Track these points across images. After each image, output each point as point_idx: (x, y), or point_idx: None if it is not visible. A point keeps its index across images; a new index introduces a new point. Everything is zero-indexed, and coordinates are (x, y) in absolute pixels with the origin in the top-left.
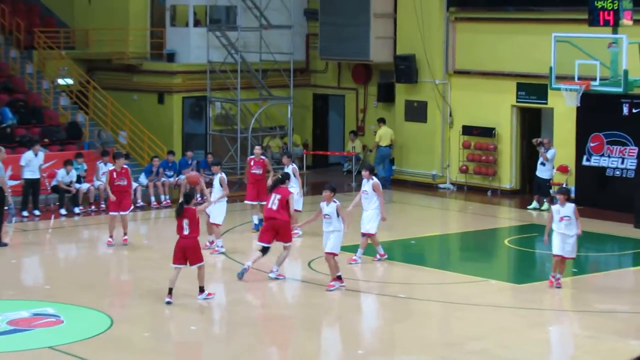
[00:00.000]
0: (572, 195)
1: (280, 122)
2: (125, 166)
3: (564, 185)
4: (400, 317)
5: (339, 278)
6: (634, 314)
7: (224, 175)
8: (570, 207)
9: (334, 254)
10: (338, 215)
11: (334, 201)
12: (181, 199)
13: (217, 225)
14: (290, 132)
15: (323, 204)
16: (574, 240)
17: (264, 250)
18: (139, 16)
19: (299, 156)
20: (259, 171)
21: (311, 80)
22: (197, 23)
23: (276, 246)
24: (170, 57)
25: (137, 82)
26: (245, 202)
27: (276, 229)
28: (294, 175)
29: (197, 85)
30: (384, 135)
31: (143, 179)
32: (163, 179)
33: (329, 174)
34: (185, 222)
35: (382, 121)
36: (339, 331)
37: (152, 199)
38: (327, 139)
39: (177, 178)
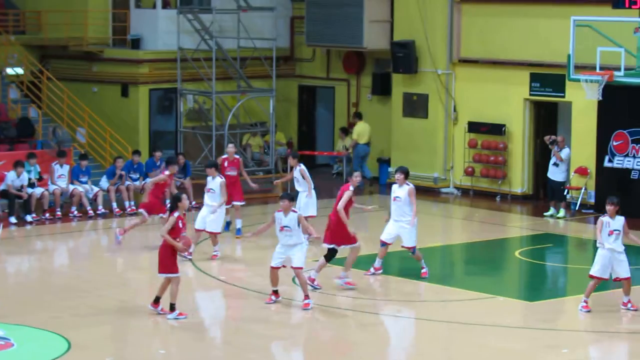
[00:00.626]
0: (592, 200)
1: (261, 117)
2: (236, 156)
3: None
4: (398, 338)
5: (276, 292)
6: None
7: (223, 179)
8: (620, 220)
9: (301, 268)
10: (299, 225)
11: (294, 211)
12: (171, 203)
13: (217, 233)
14: (272, 129)
15: (279, 215)
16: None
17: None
18: None
19: (282, 156)
20: (233, 172)
21: (296, 70)
22: (165, 4)
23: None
24: (135, 44)
25: (97, 72)
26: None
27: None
28: (302, 177)
29: (166, 75)
30: (362, 131)
31: (104, 182)
32: (127, 182)
33: (316, 176)
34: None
35: (358, 116)
36: (327, 354)
37: (114, 205)
38: (314, 137)
39: (143, 182)
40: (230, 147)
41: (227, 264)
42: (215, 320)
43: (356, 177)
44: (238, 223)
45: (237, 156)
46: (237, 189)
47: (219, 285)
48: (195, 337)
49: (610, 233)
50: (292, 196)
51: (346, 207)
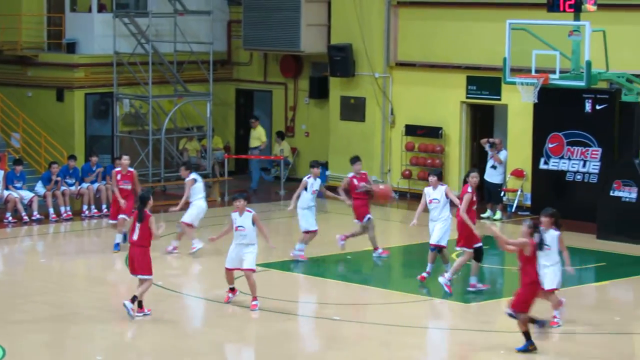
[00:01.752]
0: (528, 202)
1: (198, 121)
2: (130, 169)
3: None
4: (334, 343)
5: (232, 290)
6: (596, 334)
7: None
8: (554, 235)
9: (253, 270)
10: (254, 225)
11: (248, 210)
12: (138, 203)
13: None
14: (209, 134)
15: (235, 215)
16: (551, 271)
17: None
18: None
19: (219, 161)
20: (127, 186)
21: (233, 74)
22: (101, 8)
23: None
24: (71, 48)
25: (32, 76)
26: (110, 221)
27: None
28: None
29: (102, 79)
30: (261, 134)
31: (40, 187)
32: (63, 187)
33: (253, 181)
34: (138, 225)
35: (257, 119)
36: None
37: (51, 210)
38: None
39: (79, 187)
40: (125, 160)
41: (164, 269)
42: (154, 326)
43: (473, 177)
44: (117, 238)
45: (131, 169)
46: (129, 204)
47: (156, 290)
48: (135, 343)
49: (430, 202)
50: (246, 195)
51: (469, 208)
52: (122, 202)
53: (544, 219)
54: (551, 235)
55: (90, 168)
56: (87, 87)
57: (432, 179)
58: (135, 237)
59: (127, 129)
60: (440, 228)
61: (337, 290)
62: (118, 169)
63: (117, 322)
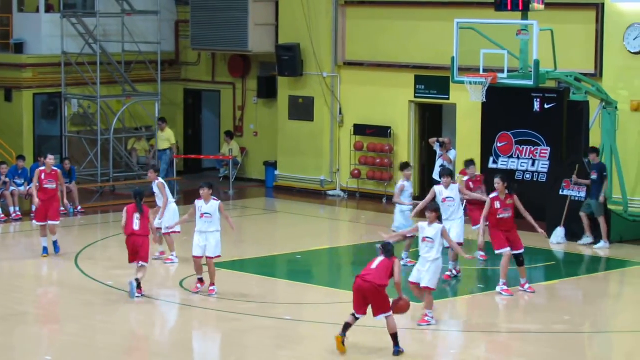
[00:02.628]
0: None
1: (147, 121)
2: (55, 168)
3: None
4: (286, 342)
5: (201, 280)
6: (546, 334)
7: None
8: (437, 228)
9: (217, 256)
10: (220, 213)
11: (214, 199)
12: (136, 197)
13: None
14: (157, 134)
15: (200, 203)
16: (434, 267)
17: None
18: None
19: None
20: (52, 186)
21: (182, 74)
22: (49, 8)
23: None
24: (19, 48)
25: None
26: (35, 223)
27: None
28: None
29: (50, 80)
30: (170, 136)
31: None
32: (12, 188)
33: (203, 180)
34: (137, 216)
35: (164, 121)
36: (217, 357)
37: (0, 211)
38: (200, 140)
39: (27, 187)
40: (50, 159)
41: (114, 269)
42: (104, 325)
43: (497, 183)
44: (44, 242)
45: (56, 168)
46: (54, 206)
47: (107, 290)
48: (84, 343)
49: (423, 240)
50: (211, 184)
51: (493, 214)
52: (36, 201)
53: (428, 214)
54: (435, 229)
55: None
56: (35, 87)
57: (446, 179)
58: (136, 227)
59: (76, 129)
60: (458, 225)
61: (286, 290)
62: (42, 167)
63: (66, 323)
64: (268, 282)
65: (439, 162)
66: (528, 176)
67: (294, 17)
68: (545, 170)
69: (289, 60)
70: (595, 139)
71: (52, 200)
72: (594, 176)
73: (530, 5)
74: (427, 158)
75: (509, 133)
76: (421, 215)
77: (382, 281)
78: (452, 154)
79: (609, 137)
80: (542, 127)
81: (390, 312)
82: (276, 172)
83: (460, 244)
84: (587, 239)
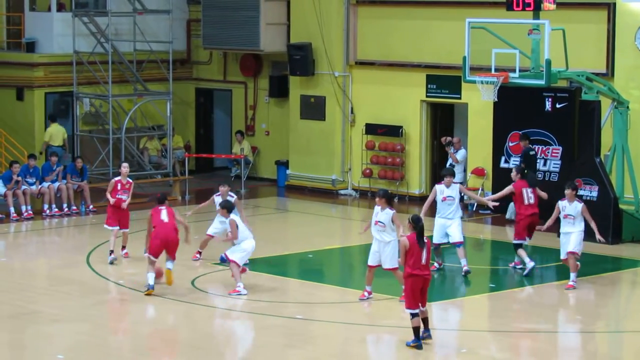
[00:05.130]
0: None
1: (159, 120)
2: (129, 179)
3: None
4: (297, 341)
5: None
6: (556, 333)
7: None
8: (389, 214)
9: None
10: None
11: (231, 195)
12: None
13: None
14: (169, 133)
15: (217, 199)
16: (390, 248)
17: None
18: None
19: (180, 160)
20: (124, 196)
21: (193, 73)
22: (60, 7)
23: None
24: (30, 47)
25: None
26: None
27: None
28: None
29: (61, 79)
30: (55, 133)
31: (1, 187)
32: (24, 187)
33: (214, 179)
34: (165, 212)
35: (52, 119)
36: (225, 356)
37: (12, 210)
38: (211, 140)
39: (39, 186)
40: (124, 167)
41: (126, 268)
42: (116, 325)
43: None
44: (112, 244)
45: (130, 179)
46: (125, 215)
47: (119, 289)
48: (96, 342)
49: (565, 217)
50: (231, 183)
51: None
52: (111, 200)
53: (377, 200)
54: (386, 214)
55: (51, 167)
56: (46, 86)
57: (449, 179)
58: (167, 219)
59: (87, 128)
60: (457, 225)
61: (298, 289)
62: (118, 178)
63: (78, 322)
64: (280, 281)
65: (449, 161)
66: (540, 176)
67: (306, 17)
68: (557, 169)
69: (301, 59)
70: (606, 138)
71: (123, 209)
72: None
73: (542, 5)
74: (438, 157)
75: (520, 132)
76: (431, 215)
77: None
78: (461, 153)
79: (621, 137)
80: (553, 126)
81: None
82: (288, 172)
83: (460, 243)
84: None
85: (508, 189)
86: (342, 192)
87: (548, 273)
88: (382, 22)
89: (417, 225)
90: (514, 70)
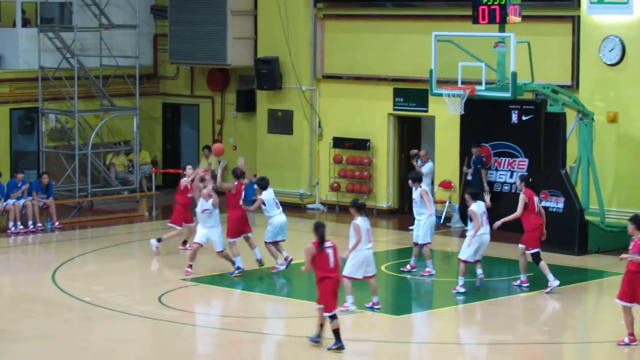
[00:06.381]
0: (456, 214)
1: (125, 136)
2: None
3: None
4: (264, 356)
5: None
6: (525, 344)
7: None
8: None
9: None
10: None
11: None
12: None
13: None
14: (136, 148)
15: (202, 200)
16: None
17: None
18: None
19: (147, 175)
20: (191, 195)
21: (160, 88)
22: (26, 22)
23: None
24: None
25: None
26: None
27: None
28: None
29: (27, 94)
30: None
31: None
32: None
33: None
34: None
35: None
36: None
37: None
38: (179, 155)
39: (4, 203)
40: (189, 169)
41: (91, 285)
42: (82, 343)
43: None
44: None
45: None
46: (189, 214)
47: (84, 307)
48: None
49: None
50: (214, 175)
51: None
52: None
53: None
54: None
55: (16, 184)
56: (11, 102)
57: (413, 183)
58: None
59: (53, 144)
60: (418, 225)
61: (264, 304)
62: (185, 179)
63: (43, 340)
64: (247, 296)
65: None
66: (507, 188)
67: (273, 31)
68: None
69: (268, 73)
70: (572, 150)
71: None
72: (479, 166)
73: (507, 18)
74: (406, 170)
75: (487, 145)
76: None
77: None
78: (428, 166)
79: (586, 148)
80: (519, 138)
81: None
82: (255, 186)
83: (427, 244)
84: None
85: (522, 199)
86: (310, 206)
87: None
88: (349, 36)
89: (317, 231)
90: (480, 83)
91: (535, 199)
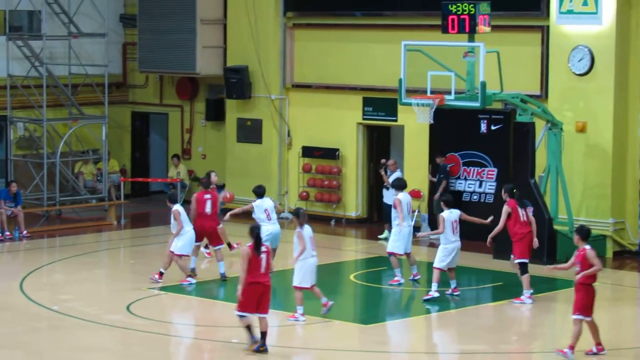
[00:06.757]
0: (425, 223)
1: (94, 144)
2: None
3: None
4: None
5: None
6: (494, 354)
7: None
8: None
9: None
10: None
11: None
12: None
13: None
14: (105, 157)
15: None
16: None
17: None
18: None
19: (115, 184)
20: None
21: (129, 97)
22: None
23: None
24: None
25: None
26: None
27: None
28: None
29: None
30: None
31: None
32: None
33: (151, 203)
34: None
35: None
36: None
37: None
38: (148, 163)
39: None
40: (214, 176)
41: (60, 294)
42: (51, 353)
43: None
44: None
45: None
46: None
47: (52, 316)
48: None
49: None
50: (184, 185)
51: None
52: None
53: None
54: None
55: None
56: None
57: (394, 190)
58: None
59: (22, 153)
60: (389, 234)
61: (233, 312)
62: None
63: (11, 350)
64: (215, 305)
65: (385, 183)
66: (475, 197)
67: (242, 40)
68: (493, 191)
69: (237, 82)
70: (541, 159)
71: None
72: (438, 177)
73: (477, 28)
74: (375, 180)
75: (456, 154)
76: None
77: None
78: (396, 175)
79: (555, 158)
80: (489, 148)
81: None
82: (226, 194)
83: (407, 255)
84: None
85: (505, 210)
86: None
87: (484, 294)
88: (319, 45)
89: (252, 234)
90: (449, 93)
91: (519, 209)
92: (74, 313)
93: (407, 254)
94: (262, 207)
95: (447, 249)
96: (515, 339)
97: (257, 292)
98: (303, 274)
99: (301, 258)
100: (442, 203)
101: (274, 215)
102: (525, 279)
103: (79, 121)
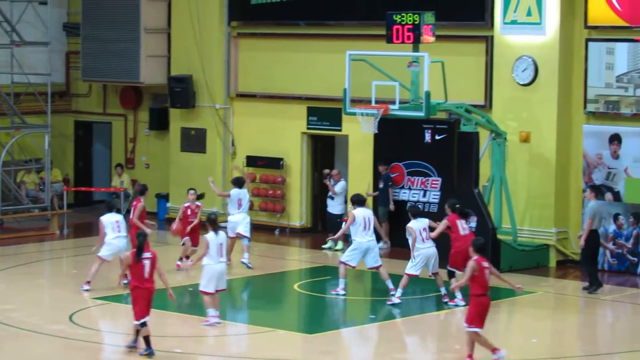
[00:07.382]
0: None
1: (37, 154)
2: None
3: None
4: None
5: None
6: None
7: None
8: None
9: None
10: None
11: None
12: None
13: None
14: (47, 166)
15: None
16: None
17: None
18: None
19: (58, 193)
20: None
21: (72, 106)
22: None
23: None
24: None
25: None
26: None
27: None
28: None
29: None
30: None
31: None
32: None
33: (94, 212)
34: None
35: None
36: None
37: None
38: (91, 173)
39: None
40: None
41: (1, 304)
42: None
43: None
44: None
45: (198, 203)
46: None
47: None
48: None
49: None
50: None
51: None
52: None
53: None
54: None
55: None
56: None
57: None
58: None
59: None
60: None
61: (177, 323)
62: (187, 204)
63: None
64: (159, 315)
65: (329, 193)
66: (419, 207)
67: (186, 49)
68: (437, 201)
69: (181, 91)
70: (485, 169)
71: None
72: (381, 185)
73: (421, 38)
74: (319, 189)
75: (400, 164)
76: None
77: None
78: (341, 185)
79: (499, 168)
80: (433, 158)
81: None
82: (168, 204)
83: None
84: (384, 244)
85: (443, 223)
86: (222, 224)
87: (428, 303)
88: (263, 55)
89: (137, 240)
90: (394, 102)
91: (460, 222)
92: (16, 323)
93: (435, 274)
94: (237, 197)
95: (421, 256)
96: (458, 347)
97: (145, 297)
98: (208, 279)
99: (209, 263)
100: (409, 213)
101: (245, 205)
102: (451, 284)
103: (21, 130)
